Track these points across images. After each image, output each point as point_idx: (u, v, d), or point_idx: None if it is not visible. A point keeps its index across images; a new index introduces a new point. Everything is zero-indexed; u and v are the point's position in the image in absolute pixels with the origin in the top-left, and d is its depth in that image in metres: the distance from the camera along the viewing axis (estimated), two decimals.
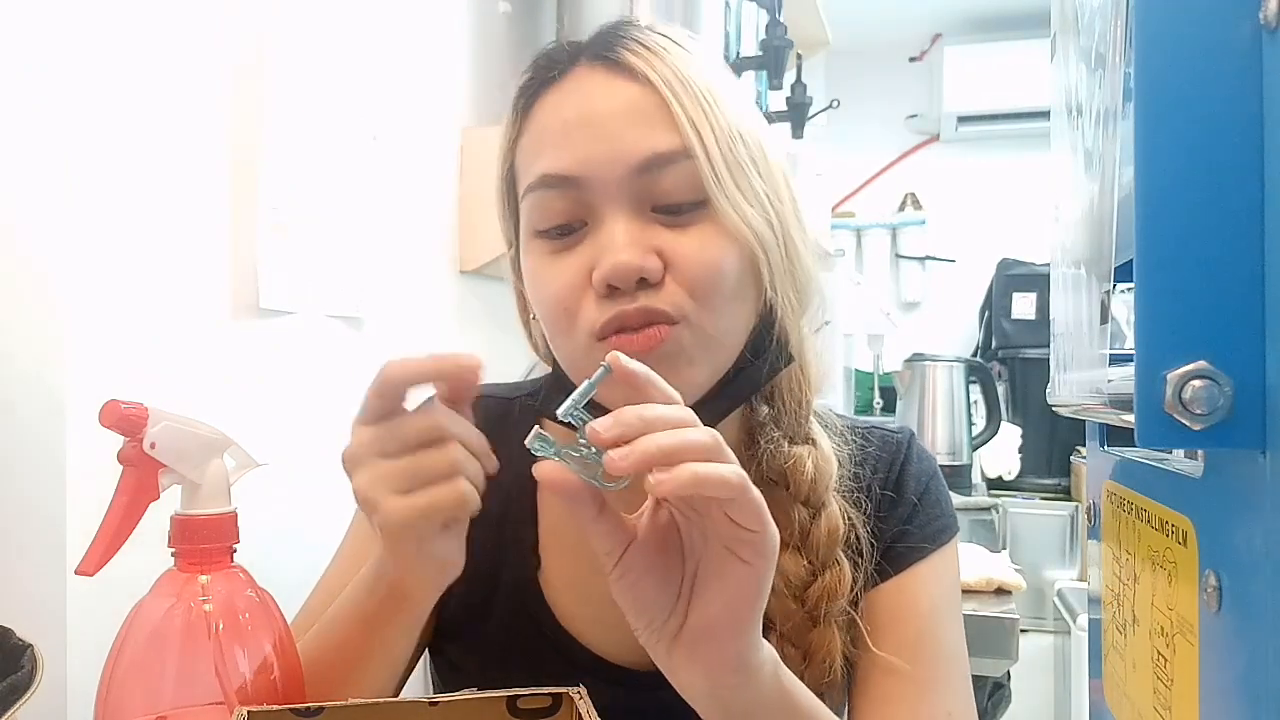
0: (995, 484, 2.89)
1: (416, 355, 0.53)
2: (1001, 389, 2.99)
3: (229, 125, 0.88)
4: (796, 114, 2.14)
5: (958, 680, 0.69)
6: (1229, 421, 0.33)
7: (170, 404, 0.57)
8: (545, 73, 0.65)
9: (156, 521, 0.57)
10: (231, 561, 0.58)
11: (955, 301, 3.57)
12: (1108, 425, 0.55)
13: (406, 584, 0.59)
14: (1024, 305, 3.19)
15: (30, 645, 0.53)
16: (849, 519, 0.67)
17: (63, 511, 0.71)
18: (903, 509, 0.71)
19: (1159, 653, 0.43)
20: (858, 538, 0.67)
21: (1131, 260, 0.35)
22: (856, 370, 2.84)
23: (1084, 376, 0.46)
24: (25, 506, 0.72)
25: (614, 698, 0.56)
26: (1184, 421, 0.33)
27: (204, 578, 0.56)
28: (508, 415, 0.74)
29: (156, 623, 0.55)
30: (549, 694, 0.54)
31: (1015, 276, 3.23)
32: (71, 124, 0.72)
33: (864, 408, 2.93)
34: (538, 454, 0.48)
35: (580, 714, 0.51)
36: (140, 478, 0.56)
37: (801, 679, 0.63)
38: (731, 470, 0.46)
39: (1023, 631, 1.24)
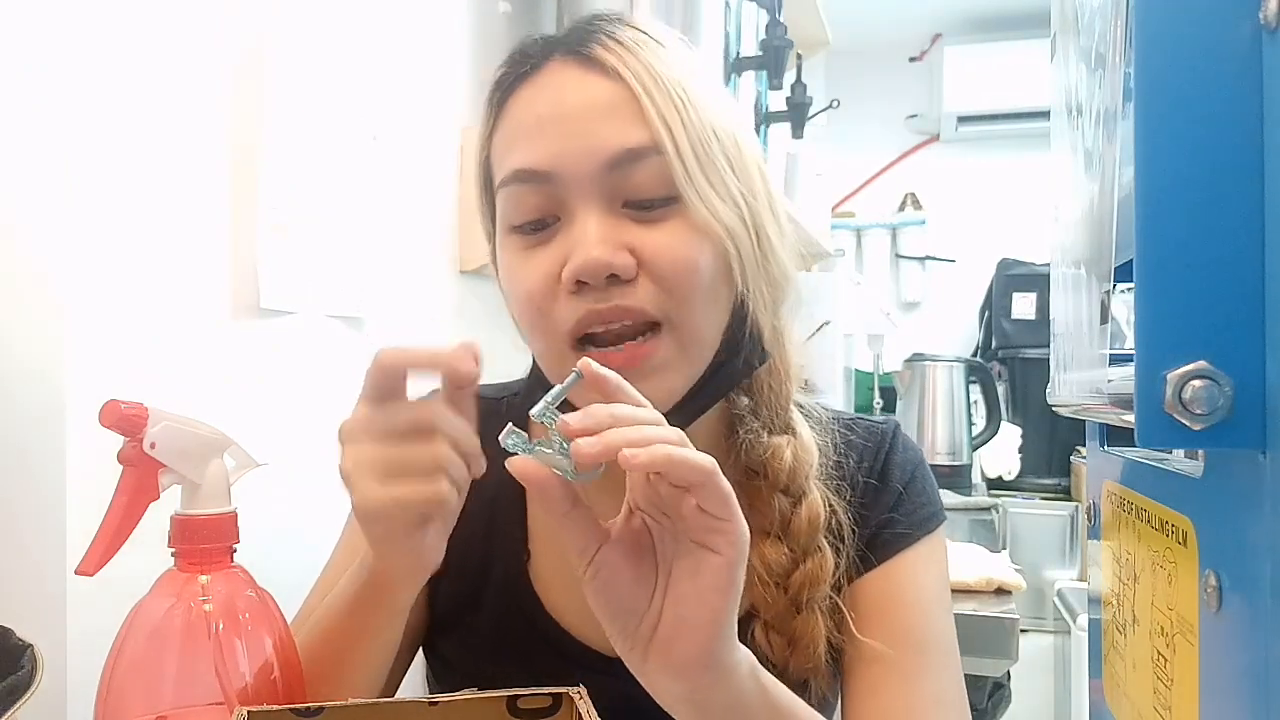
0: (995, 484, 2.89)
1: (415, 345, 0.53)
2: (1001, 389, 3.00)
3: (229, 125, 0.88)
4: (796, 114, 2.14)
5: (946, 666, 0.69)
6: (1229, 421, 0.33)
7: (170, 404, 0.57)
8: (519, 67, 0.65)
9: (156, 521, 0.57)
10: (231, 561, 0.58)
11: (955, 301, 3.57)
12: (1108, 425, 0.55)
13: (387, 574, 0.59)
14: (1024, 305, 3.19)
15: (30, 645, 0.53)
16: (830, 506, 0.67)
17: (63, 511, 0.71)
18: (888, 497, 0.71)
19: (1159, 653, 0.43)
20: (839, 524, 0.68)
21: (1131, 260, 0.35)
22: (856, 370, 2.84)
23: (1084, 376, 0.46)
24: (25, 506, 0.72)
25: (603, 688, 0.56)
26: (1184, 421, 0.33)
27: (204, 578, 0.56)
28: (495, 414, 0.75)
29: (156, 623, 0.55)
30: (549, 694, 0.54)
31: (1015, 276, 3.23)
32: (71, 124, 0.72)
33: (864, 408, 2.93)
34: (511, 450, 0.49)
35: (580, 714, 0.51)
36: (140, 478, 0.56)
37: (786, 666, 0.65)
38: (701, 455, 0.47)
39: (1023, 631, 1.24)
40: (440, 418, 0.52)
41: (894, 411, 2.60)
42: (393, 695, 0.71)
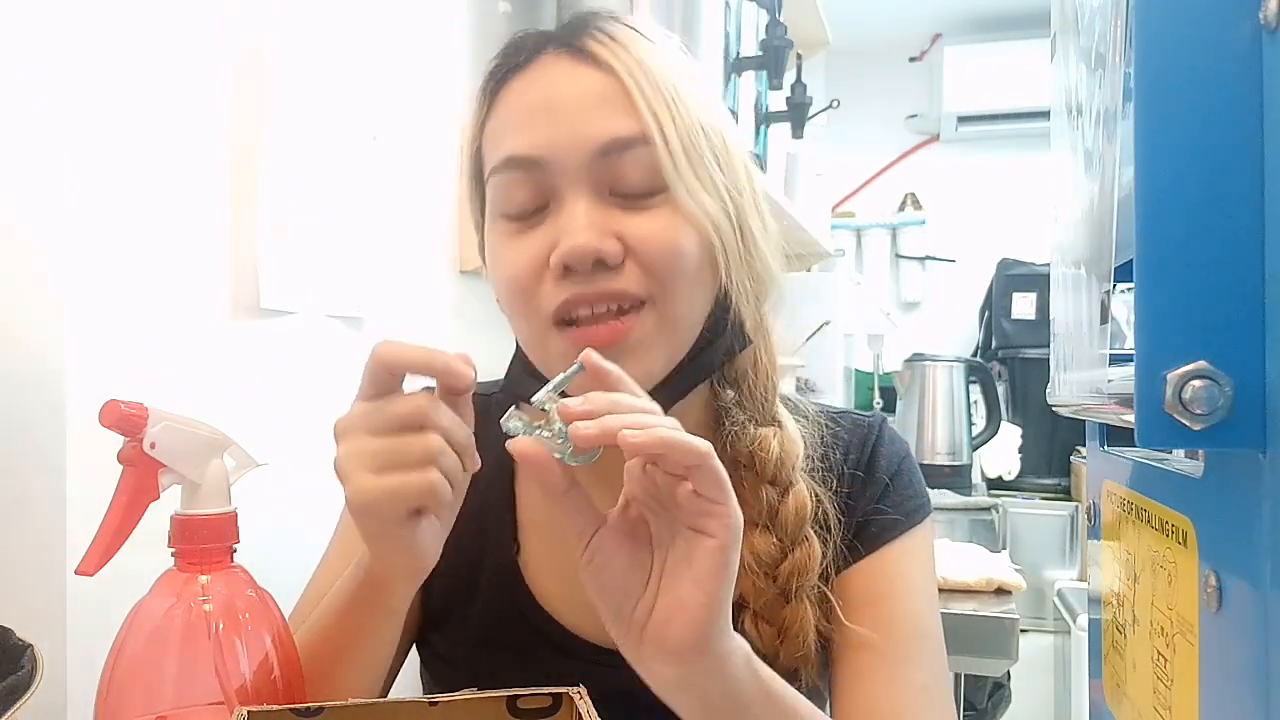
0: (995, 484, 2.89)
1: (413, 344, 0.53)
2: (1001, 389, 3.00)
3: (229, 125, 0.88)
4: (796, 114, 2.14)
5: (932, 655, 0.70)
6: (1229, 421, 0.33)
7: (170, 404, 0.57)
8: (512, 59, 0.67)
9: (156, 521, 0.57)
10: (231, 561, 0.58)
11: (955, 301, 3.57)
12: (1108, 425, 0.55)
13: (383, 571, 0.59)
14: (1024, 305, 3.19)
15: (30, 645, 0.53)
16: (816, 497, 0.68)
17: (63, 511, 0.71)
18: (874, 489, 0.72)
19: (1159, 653, 0.43)
20: (825, 515, 0.69)
21: (1131, 260, 0.35)
22: (856, 370, 2.84)
23: (1084, 376, 0.46)
24: (25, 506, 0.72)
25: (595, 677, 0.57)
26: (1184, 421, 0.33)
27: (204, 578, 0.56)
28: (486, 409, 0.75)
29: (156, 623, 0.55)
30: (549, 694, 0.54)
31: (1015, 276, 3.23)
32: (71, 124, 0.72)
33: (864, 407, 2.92)
34: (511, 433, 0.50)
35: (580, 714, 0.51)
36: (140, 478, 0.56)
37: (776, 654, 0.65)
38: (697, 439, 0.48)
39: (1023, 631, 1.24)
40: (432, 410, 0.53)
41: (894, 411, 2.60)
42: (387, 693, 0.72)
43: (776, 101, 2.14)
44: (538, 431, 0.50)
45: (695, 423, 0.70)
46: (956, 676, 1.37)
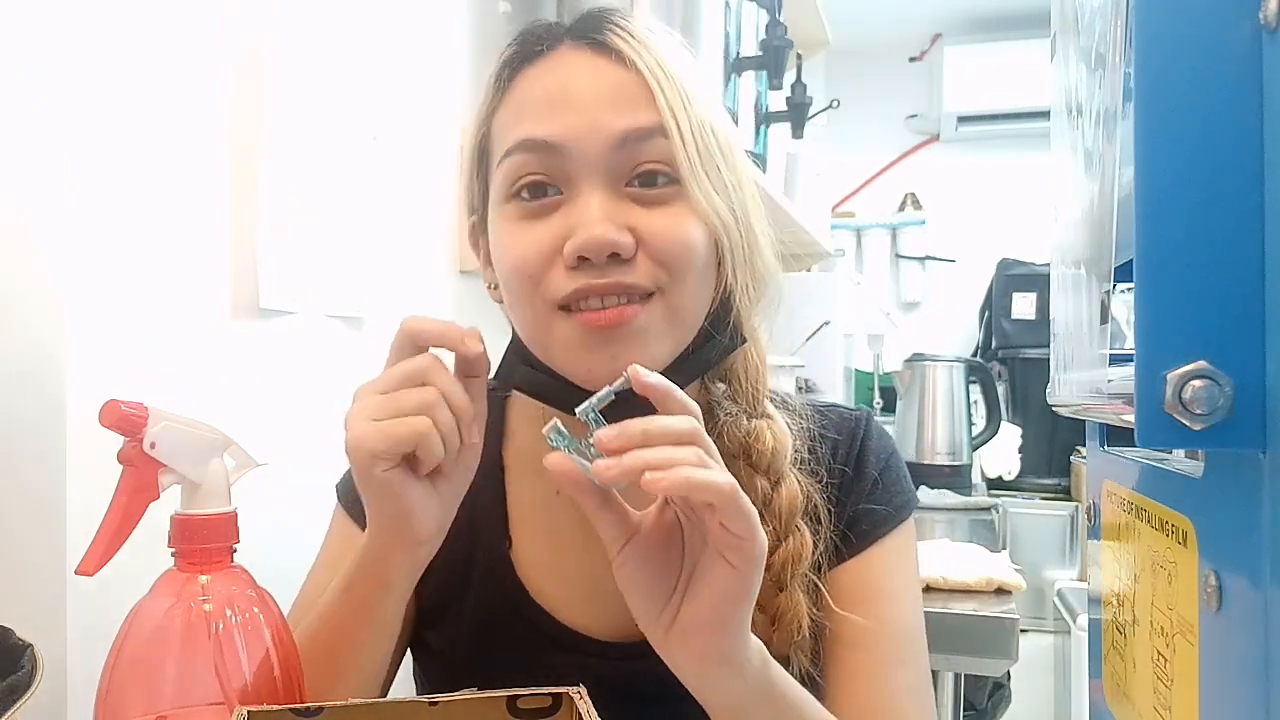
0: (995, 484, 2.89)
1: (437, 320, 0.58)
2: (1001, 389, 3.00)
3: (229, 125, 0.88)
4: (796, 114, 2.14)
5: (918, 656, 0.72)
6: (1229, 421, 0.33)
7: (170, 404, 0.57)
8: (529, 48, 0.67)
9: (156, 521, 0.57)
10: (231, 561, 0.58)
11: (955, 301, 3.57)
12: (1108, 425, 0.55)
13: (382, 541, 0.60)
14: (1024, 305, 3.19)
15: (30, 645, 0.53)
16: (806, 490, 0.70)
17: (63, 511, 0.71)
18: (864, 484, 0.73)
19: (1159, 653, 0.43)
20: (816, 508, 0.70)
21: (1131, 260, 0.35)
22: (856, 370, 2.84)
23: (1084, 376, 0.46)
24: (25, 506, 0.72)
25: (588, 669, 0.58)
26: (1184, 421, 0.33)
27: (204, 578, 0.56)
28: None
29: (156, 623, 0.55)
30: (549, 694, 0.54)
31: (1015, 276, 3.23)
32: (71, 124, 0.72)
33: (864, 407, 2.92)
34: (552, 445, 0.51)
35: (580, 714, 0.51)
36: (140, 478, 0.56)
37: (770, 641, 0.66)
38: (722, 477, 0.50)
39: (1023, 631, 1.24)
40: (433, 369, 0.57)
41: (894, 412, 2.60)
42: (386, 692, 0.72)
43: (776, 101, 2.14)
44: (576, 446, 0.51)
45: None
46: (956, 676, 1.37)
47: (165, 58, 0.81)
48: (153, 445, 0.55)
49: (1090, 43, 0.45)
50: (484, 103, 0.69)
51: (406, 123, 1.18)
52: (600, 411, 0.52)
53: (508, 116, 0.66)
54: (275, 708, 0.51)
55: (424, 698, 0.52)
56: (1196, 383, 0.33)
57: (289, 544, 0.86)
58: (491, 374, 0.63)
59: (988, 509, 2.10)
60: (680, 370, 0.66)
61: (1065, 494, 2.92)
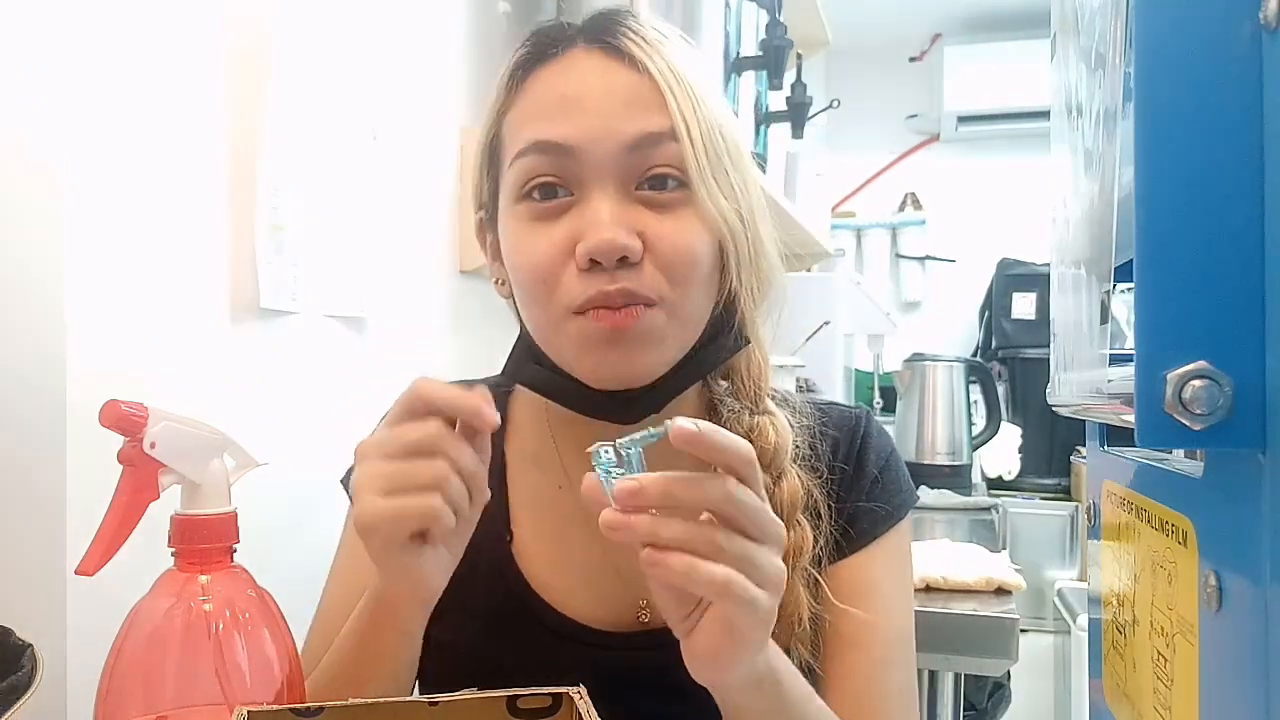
0: (995, 484, 2.89)
1: (448, 386, 0.56)
2: (1001, 389, 2.99)
3: (228, 125, 0.88)
4: (796, 114, 2.13)
5: (909, 659, 0.73)
6: (1229, 421, 0.33)
7: (170, 404, 0.57)
8: (542, 50, 0.67)
9: (156, 521, 0.57)
10: (231, 561, 0.58)
11: (955, 301, 3.57)
12: (1108, 425, 0.55)
13: (391, 596, 0.61)
14: (1024, 305, 3.19)
15: (30, 645, 0.53)
16: (807, 485, 0.71)
17: (63, 511, 0.71)
18: (864, 482, 0.74)
19: (1159, 653, 0.43)
20: (816, 502, 0.71)
21: (1131, 260, 0.35)
22: (856, 370, 2.84)
23: (1084, 376, 0.46)
24: (25, 506, 0.72)
25: (592, 660, 0.59)
26: (1184, 421, 0.33)
27: (204, 578, 0.56)
28: None
29: (156, 623, 0.55)
30: (549, 694, 0.54)
31: (1015, 276, 3.23)
32: (71, 124, 0.72)
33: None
34: (594, 463, 0.51)
35: (580, 714, 0.51)
36: (140, 478, 0.56)
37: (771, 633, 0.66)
38: (719, 569, 0.49)
39: (1023, 631, 1.24)
40: (444, 438, 0.55)
41: (894, 412, 2.60)
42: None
43: (776, 101, 2.14)
44: (609, 473, 0.51)
45: (691, 413, 0.72)
46: (956, 676, 1.37)
47: (165, 58, 0.81)
48: (153, 445, 0.55)
49: (1090, 43, 0.45)
50: (495, 102, 0.69)
51: (406, 122, 1.18)
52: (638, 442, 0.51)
53: (520, 117, 0.67)
54: (275, 708, 0.51)
55: (424, 698, 0.52)
56: (1196, 383, 0.33)
57: (289, 544, 0.86)
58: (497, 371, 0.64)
59: (988, 509, 2.10)
60: (684, 372, 0.67)
61: (1065, 494, 2.92)
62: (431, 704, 0.52)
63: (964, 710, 1.49)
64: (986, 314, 3.36)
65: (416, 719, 0.52)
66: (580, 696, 0.53)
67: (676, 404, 0.69)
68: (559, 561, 0.73)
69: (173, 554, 0.57)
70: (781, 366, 1.73)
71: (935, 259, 3.63)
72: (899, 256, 3.66)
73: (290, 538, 0.88)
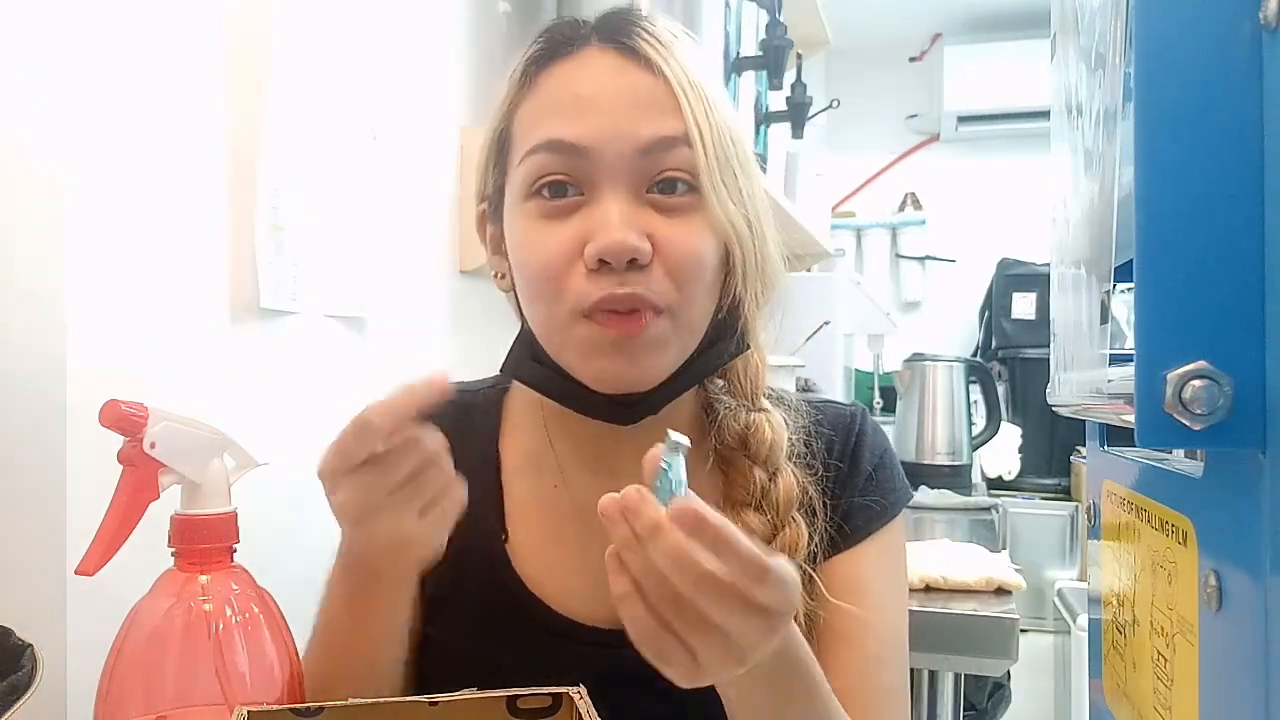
0: (995, 484, 2.89)
1: (388, 398, 0.56)
2: (1001, 389, 2.99)
3: (228, 125, 0.88)
4: (796, 114, 2.14)
5: (901, 660, 0.73)
6: (1229, 421, 0.33)
7: (170, 404, 0.57)
8: (556, 47, 0.67)
9: (156, 521, 0.57)
10: (231, 561, 0.58)
11: (955, 301, 3.57)
12: (1108, 425, 0.55)
13: (379, 567, 0.62)
14: (1024, 305, 3.19)
15: (30, 645, 0.53)
16: (802, 483, 0.71)
17: (63, 511, 0.71)
18: (858, 479, 0.74)
19: (1159, 653, 0.43)
20: (811, 501, 0.71)
21: (1131, 260, 0.35)
22: (856, 370, 2.84)
23: (1084, 376, 0.46)
24: (25, 506, 0.72)
25: (586, 657, 0.59)
26: (1184, 421, 0.33)
27: (204, 578, 0.56)
28: (472, 405, 0.79)
29: (156, 623, 0.55)
30: (549, 694, 0.54)
31: (1015, 276, 3.23)
32: (71, 124, 0.72)
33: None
34: (669, 452, 0.49)
35: (580, 714, 0.51)
36: (140, 478, 0.56)
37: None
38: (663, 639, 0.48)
39: (1023, 631, 1.24)
40: (429, 448, 0.58)
41: (894, 412, 2.60)
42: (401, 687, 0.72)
43: (776, 101, 2.14)
44: (670, 474, 0.49)
45: (689, 409, 0.73)
46: (956, 676, 1.37)
47: (164, 58, 0.81)
48: (153, 445, 0.55)
49: (1090, 43, 0.45)
50: (506, 96, 0.69)
51: (406, 122, 1.18)
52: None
53: (532, 113, 0.67)
54: (275, 708, 0.51)
55: (424, 698, 0.52)
56: (1196, 383, 0.33)
57: (289, 544, 0.86)
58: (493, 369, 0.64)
59: (988, 509, 2.10)
60: (684, 376, 0.68)
61: (1065, 494, 2.92)
62: (431, 704, 0.52)
63: (964, 710, 1.49)
64: (986, 314, 3.36)
65: (416, 719, 0.52)
66: (580, 696, 0.53)
67: (674, 405, 0.69)
68: (555, 560, 0.73)
69: (173, 554, 0.57)
70: (781, 366, 1.72)
71: (935, 259, 3.63)
72: (899, 256, 3.66)
73: (290, 538, 0.88)
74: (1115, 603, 0.51)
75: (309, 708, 0.51)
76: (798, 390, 1.97)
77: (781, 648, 0.55)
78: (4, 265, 0.72)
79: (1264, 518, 0.32)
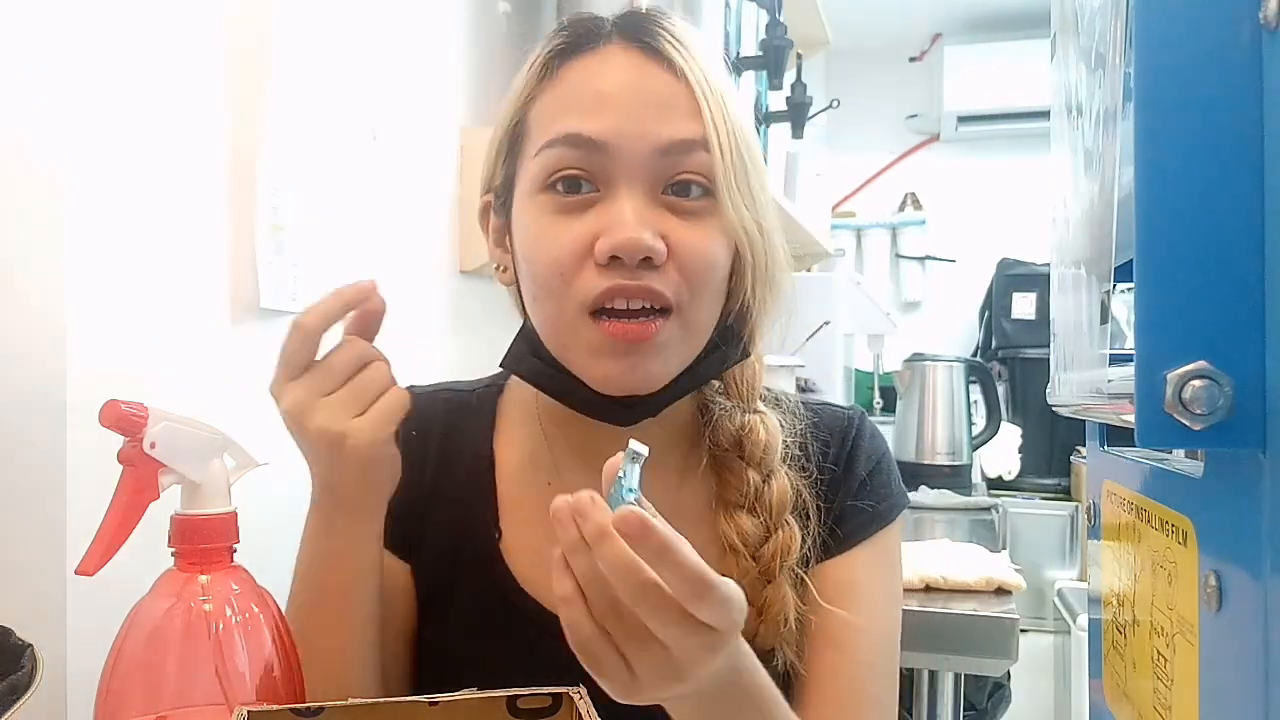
0: (995, 484, 2.89)
1: (320, 302, 0.63)
2: (1001, 389, 2.99)
3: (228, 125, 0.88)
4: (796, 114, 2.13)
5: (890, 668, 0.73)
6: (1229, 421, 0.33)
7: (170, 404, 0.58)
8: (577, 41, 0.67)
9: (156, 521, 0.57)
10: (231, 561, 0.58)
11: (955, 301, 3.57)
12: (1108, 425, 0.55)
13: (342, 490, 0.65)
14: (1024, 305, 3.19)
15: (30, 645, 0.53)
16: (796, 485, 0.71)
17: (63, 511, 0.71)
18: (852, 483, 0.74)
19: (1159, 653, 0.43)
20: (804, 504, 0.71)
21: (1131, 260, 0.35)
22: (856, 370, 2.84)
23: (1084, 376, 0.46)
24: (25, 506, 0.71)
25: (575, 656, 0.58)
26: (1184, 421, 0.33)
27: (204, 578, 0.56)
28: (466, 404, 0.79)
29: (156, 623, 0.55)
30: (549, 694, 0.54)
31: (1015, 276, 3.22)
32: (71, 124, 0.72)
33: (864, 407, 2.92)
34: (628, 458, 0.50)
35: (580, 714, 0.51)
36: (140, 478, 0.56)
37: (756, 633, 0.67)
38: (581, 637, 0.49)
39: (1023, 631, 1.23)
40: (369, 346, 0.65)
41: (894, 412, 2.60)
42: (396, 690, 0.72)
43: (776, 101, 2.14)
44: (624, 484, 0.50)
45: (683, 412, 0.73)
46: (956, 676, 1.37)
47: (164, 58, 0.81)
48: (153, 445, 0.55)
49: (1090, 43, 0.45)
50: (521, 89, 0.69)
51: (406, 122, 1.18)
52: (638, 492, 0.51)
53: (551, 106, 0.66)
54: (275, 708, 0.51)
55: (424, 697, 0.52)
56: (1196, 383, 0.33)
57: (289, 544, 0.86)
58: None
59: (988, 509, 2.10)
60: (685, 380, 0.68)
61: (1065, 494, 2.92)
62: (432, 704, 0.52)
63: (964, 710, 1.49)
64: (986, 314, 3.36)
65: (416, 719, 0.52)
66: (580, 697, 0.53)
67: (671, 406, 0.69)
68: (548, 558, 0.73)
69: (173, 554, 0.57)
70: (782, 366, 1.72)
71: (935, 259, 3.63)
72: (899, 256, 3.66)
73: (290, 538, 0.88)
74: (1115, 603, 0.51)
75: (309, 708, 0.51)
76: (798, 390, 1.98)
77: (729, 672, 0.53)
78: (4, 265, 0.72)
79: (1264, 518, 0.32)
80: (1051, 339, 0.57)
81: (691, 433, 0.73)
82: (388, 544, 0.72)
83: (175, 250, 0.82)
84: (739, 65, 1.83)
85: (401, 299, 1.17)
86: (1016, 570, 1.35)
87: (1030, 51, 3.22)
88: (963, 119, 3.47)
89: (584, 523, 0.47)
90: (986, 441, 2.66)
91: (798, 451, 0.72)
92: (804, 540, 0.69)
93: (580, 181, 0.63)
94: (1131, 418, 0.34)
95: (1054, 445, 2.97)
